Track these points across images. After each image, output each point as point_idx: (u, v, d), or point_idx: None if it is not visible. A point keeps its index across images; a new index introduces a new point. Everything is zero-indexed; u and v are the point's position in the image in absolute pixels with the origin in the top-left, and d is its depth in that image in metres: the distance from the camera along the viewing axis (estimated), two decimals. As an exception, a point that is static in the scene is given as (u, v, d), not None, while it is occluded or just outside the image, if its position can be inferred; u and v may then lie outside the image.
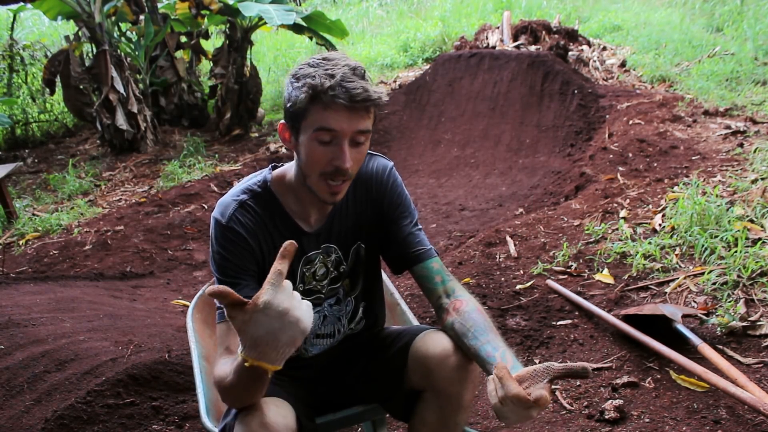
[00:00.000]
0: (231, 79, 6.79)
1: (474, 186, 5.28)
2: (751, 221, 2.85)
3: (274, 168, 1.39)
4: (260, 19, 6.25)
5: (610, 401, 1.95)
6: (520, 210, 4.33)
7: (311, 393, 1.46)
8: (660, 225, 3.05)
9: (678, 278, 2.59)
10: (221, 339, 1.24)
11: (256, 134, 7.01)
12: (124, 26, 7.31)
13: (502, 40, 7.22)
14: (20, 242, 4.35)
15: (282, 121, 1.30)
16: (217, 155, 6.30)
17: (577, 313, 2.54)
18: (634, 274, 2.72)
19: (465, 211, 4.67)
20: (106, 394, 2.08)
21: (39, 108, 8.05)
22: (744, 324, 2.19)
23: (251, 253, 1.29)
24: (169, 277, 3.79)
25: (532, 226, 3.46)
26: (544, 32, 7.19)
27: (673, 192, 3.37)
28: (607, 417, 1.89)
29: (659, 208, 3.25)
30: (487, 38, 7.43)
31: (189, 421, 2.06)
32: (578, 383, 2.11)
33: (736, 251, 2.57)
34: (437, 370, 1.29)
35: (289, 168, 1.36)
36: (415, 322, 1.62)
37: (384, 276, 1.64)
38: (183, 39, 7.44)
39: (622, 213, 3.29)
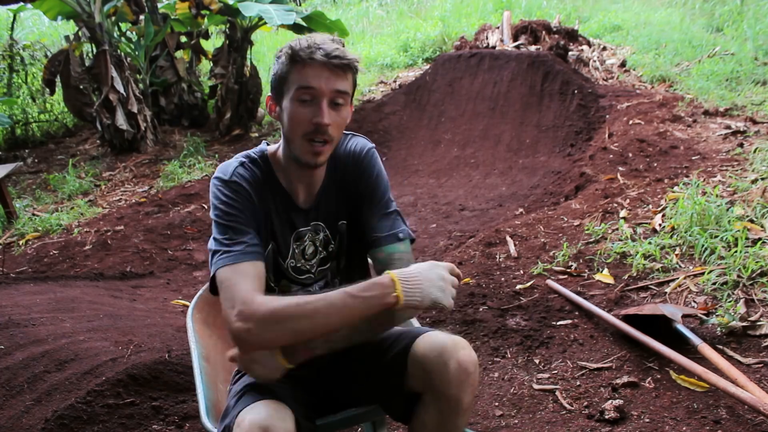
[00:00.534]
0: (231, 79, 6.80)
1: (474, 186, 5.28)
2: (751, 221, 2.84)
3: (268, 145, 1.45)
4: (260, 19, 6.25)
5: (610, 401, 1.95)
6: (520, 210, 4.33)
7: (311, 393, 1.45)
8: (660, 225, 3.05)
9: (678, 278, 2.59)
10: (231, 280, 1.23)
11: (256, 134, 7.01)
12: (124, 26, 7.31)
13: (502, 40, 7.22)
14: (20, 242, 4.36)
15: (269, 95, 1.38)
16: (217, 155, 6.30)
17: (577, 313, 2.54)
18: (634, 274, 2.72)
19: (465, 211, 4.67)
20: (106, 394, 2.08)
21: (39, 108, 8.04)
22: (744, 324, 2.19)
23: (254, 206, 1.33)
24: (169, 277, 3.79)
25: (532, 226, 3.46)
26: (544, 32, 7.18)
27: (673, 192, 3.37)
28: (607, 417, 1.89)
29: (659, 208, 3.25)
30: (487, 38, 7.43)
31: (189, 421, 2.06)
32: (578, 383, 2.11)
33: (736, 251, 2.57)
34: (437, 373, 1.28)
35: (279, 146, 1.42)
36: (416, 323, 1.62)
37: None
38: (183, 39, 7.44)
39: (622, 213, 3.29)
